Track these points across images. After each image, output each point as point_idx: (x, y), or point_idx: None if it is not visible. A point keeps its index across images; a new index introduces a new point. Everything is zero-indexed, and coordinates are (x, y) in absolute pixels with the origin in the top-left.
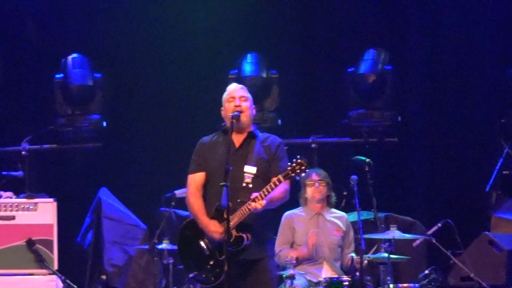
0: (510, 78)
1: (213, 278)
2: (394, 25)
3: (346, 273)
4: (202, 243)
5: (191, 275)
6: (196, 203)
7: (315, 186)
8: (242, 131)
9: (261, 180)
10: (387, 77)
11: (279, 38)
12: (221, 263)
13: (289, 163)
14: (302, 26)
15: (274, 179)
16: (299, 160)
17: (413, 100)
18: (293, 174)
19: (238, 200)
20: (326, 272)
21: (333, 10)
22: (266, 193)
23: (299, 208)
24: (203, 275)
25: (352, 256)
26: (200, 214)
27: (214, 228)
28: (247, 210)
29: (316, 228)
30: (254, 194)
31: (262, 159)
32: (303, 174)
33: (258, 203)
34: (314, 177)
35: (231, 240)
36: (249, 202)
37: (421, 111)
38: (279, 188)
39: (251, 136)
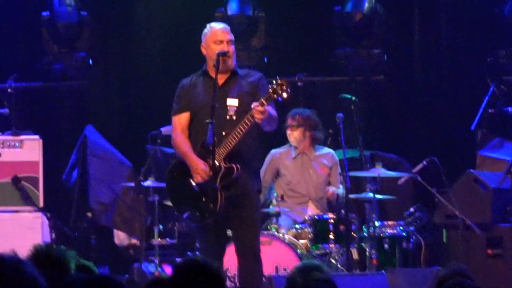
0: (497, 17)
1: (207, 214)
2: None
3: (331, 211)
4: (191, 181)
5: (185, 216)
6: (183, 144)
7: (288, 132)
8: (225, 72)
9: (244, 113)
10: (375, 15)
11: None
12: (212, 198)
13: (269, 85)
14: None
15: (257, 103)
16: (279, 81)
17: (400, 39)
18: (275, 96)
19: (223, 133)
20: (312, 211)
21: None
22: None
23: (286, 145)
24: (197, 213)
25: (332, 190)
26: (189, 154)
27: (202, 168)
28: (244, 128)
29: (301, 168)
30: (255, 103)
31: (244, 92)
32: (285, 95)
33: (260, 108)
34: (289, 121)
35: (222, 172)
36: (251, 112)
37: (407, 50)
38: (272, 110)
39: (233, 73)
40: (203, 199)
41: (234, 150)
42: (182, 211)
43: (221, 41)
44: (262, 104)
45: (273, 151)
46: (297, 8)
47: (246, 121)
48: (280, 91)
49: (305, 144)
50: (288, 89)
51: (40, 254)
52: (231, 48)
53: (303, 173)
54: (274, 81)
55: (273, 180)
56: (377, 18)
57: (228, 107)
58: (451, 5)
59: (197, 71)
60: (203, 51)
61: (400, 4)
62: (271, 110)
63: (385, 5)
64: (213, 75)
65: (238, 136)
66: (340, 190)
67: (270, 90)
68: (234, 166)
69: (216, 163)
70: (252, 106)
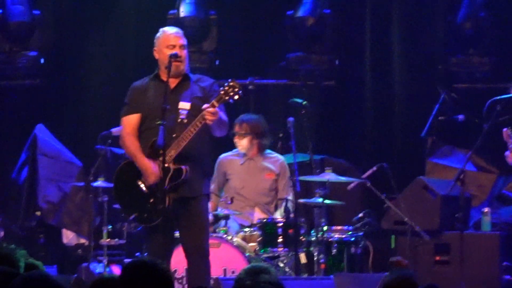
0: (449, 26)
1: (155, 216)
2: None
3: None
4: (140, 183)
5: (132, 217)
6: (133, 144)
7: (236, 139)
8: (177, 76)
9: (195, 117)
10: (326, 20)
11: None
12: (160, 199)
13: (221, 88)
14: None
15: (208, 105)
16: (231, 83)
17: (352, 45)
18: (227, 98)
19: (174, 135)
20: (258, 215)
21: None
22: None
23: (235, 150)
24: (145, 215)
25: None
26: (138, 155)
27: (152, 170)
28: (194, 129)
29: (247, 174)
30: (206, 105)
31: (196, 97)
32: (236, 97)
33: (211, 109)
34: (236, 129)
35: (170, 174)
36: (202, 113)
37: (359, 56)
38: (223, 115)
39: (185, 78)
40: (151, 200)
41: (184, 152)
42: (129, 212)
43: (174, 46)
44: (213, 106)
45: (222, 156)
46: (249, 11)
47: (197, 122)
48: (231, 93)
49: (253, 151)
50: (240, 91)
51: None
52: (184, 53)
53: (249, 179)
54: (225, 83)
55: (223, 185)
56: (329, 24)
57: (180, 111)
58: (403, 12)
59: (149, 75)
60: (156, 55)
61: (352, 10)
62: (222, 114)
63: (337, 11)
64: (165, 79)
65: (188, 137)
66: (290, 197)
67: (222, 92)
68: (183, 168)
69: (165, 164)
70: (203, 107)
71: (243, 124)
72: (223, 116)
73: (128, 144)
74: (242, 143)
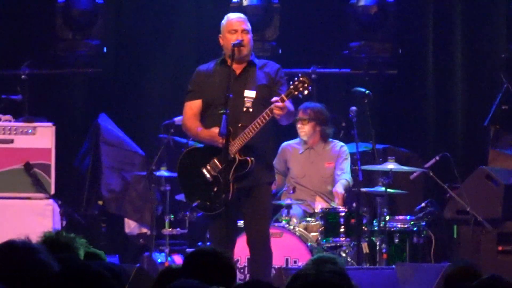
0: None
1: (218, 205)
2: None
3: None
4: (204, 171)
5: (194, 204)
6: (194, 125)
7: (299, 125)
8: (242, 61)
9: (261, 105)
10: (389, 9)
11: None
12: (224, 189)
13: (291, 82)
14: None
15: (277, 98)
16: (301, 78)
17: (415, 33)
18: (296, 93)
19: (239, 125)
20: (320, 203)
21: None
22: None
23: (297, 139)
24: (208, 203)
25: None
26: (200, 131)
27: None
28: (262, 122)
29: (307, 163)
30: (275, 98)
31: (262, 84)
32: (306, 92)
33: (279, 104)
34: (299, 114)
35: (236, 164)
36: (271, 107)
37: (422, 44)
38: (290, 105)
39: (251, 64)
40: (215, 189)
41: (250, 143)
42: (192, 200)
43: (236, 31)
44: (282, 100)
45: (284, 144)
46: (312, 0)
47: (265, 115)
48: (301, 88)
49: (314, 138)
50: (310, 87)
51: (49, 240)
52: (246, 38)
53: (310, 168)
54: (296, 78)
55: (284, 171)
56: (391, 12)
57: (245, 99)
58: (466, 2)
59: (215, 60)
60: (221, 41)
61: None
62: (289, 105)
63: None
64: (231, 65)
65: (255, 129)
66: (346, 175)
67: (291, 87)
68: (249, 159)
69: (231, 154)
70: (272, 100)
71: (308, 110)
72: (291, 107)
73: (189, 126)
74: (305, 129)
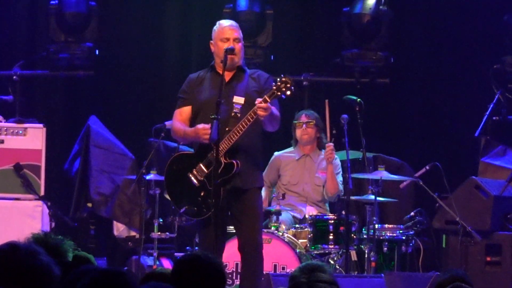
0: (504, 25)
1: (205, 210)
2: None
3: (331, 212)
4: (191, 176)
5: (182, 210)
6: (181, 127)
7: (303, 128)
8: (232, 69)
9: (249, 111)
10: (383, 18)
11: None
12: (212, 193)
13: (273, 83)
14: None
15: (260, 99)
16: (283, 79)
17: (407, 43)
18: (279, 93)
19: (226, 129)
20: (311, 210)
21: None
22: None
23: (290, 148)
24: (195, 208)
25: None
26: (187, 130)
27: (203, 126)
28: (246, 124)
29: (302, 170)
30: (258, 100)
31: (251, 91)
32: (288, 92)
33: (263, 105)
34: (303, 118)
35: (221, 168)
36: (254, 108)
37: (414, 54)
38: (275, 110)
39: (240, 70)
40: (202, 194)
41: (236, 146)
42: (180, 205)
43: (228, 39)
44: (265, 101)
45: (277, 153)
46: (305, 7)
47: (249, 117)
48: (284, 89)
49: (312, 145)
50: (292, 87)
51: (37, 242)
52: (238, 46)
53: (304, 176)
54: (278, 79)
55: (275, 181)
56: (385, 21)
57: (234, 104)
58: (457, 11)
59: (205, 68)
60: (212, 48)
61: (407, 7)
62: (274, 109)
63: (393, 8)
64: (220, 72)
65: (240, 132)
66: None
67: (274, 88)
68: (234, 162)
69: (219, 158)
70: (256, 102)
71: (312, 114)
72: (275, 111)
73: (177, 128)
74: (310, 132)
